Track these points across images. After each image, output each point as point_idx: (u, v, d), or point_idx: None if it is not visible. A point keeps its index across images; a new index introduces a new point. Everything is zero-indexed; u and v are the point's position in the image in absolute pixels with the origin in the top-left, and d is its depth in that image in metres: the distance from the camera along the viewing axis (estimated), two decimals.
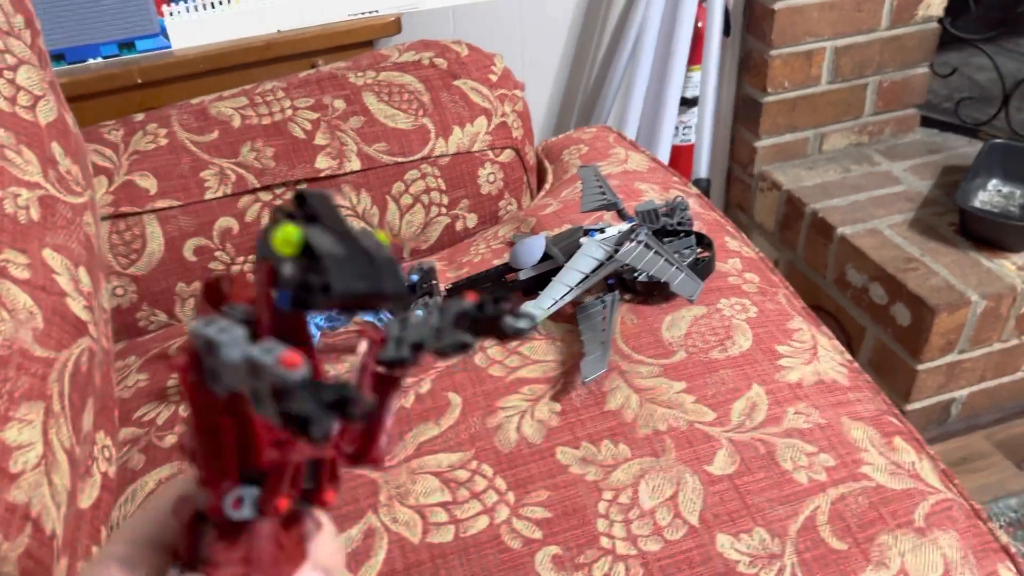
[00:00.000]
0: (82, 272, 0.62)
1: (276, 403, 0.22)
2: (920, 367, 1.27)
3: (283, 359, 0.22)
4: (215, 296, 0.27)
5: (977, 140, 1.55)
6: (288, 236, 0.23)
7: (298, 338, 0.25)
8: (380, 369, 0.28)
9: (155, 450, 0.69)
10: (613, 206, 0.79)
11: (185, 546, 0.28)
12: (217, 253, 0.85)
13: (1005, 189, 1.41)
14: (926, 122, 1.62)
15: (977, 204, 1.37)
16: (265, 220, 0.85)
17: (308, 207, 0.25)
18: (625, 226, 0.78)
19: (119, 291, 0.83)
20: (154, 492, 0.31)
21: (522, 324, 0.27)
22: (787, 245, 1.51)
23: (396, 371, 0.29)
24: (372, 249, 0.25)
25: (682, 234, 0.79)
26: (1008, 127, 1.53)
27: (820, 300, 1.45)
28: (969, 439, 1.38)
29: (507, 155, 0.95)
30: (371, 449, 0.28)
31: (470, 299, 0.27)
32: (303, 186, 0.86)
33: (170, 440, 0.70)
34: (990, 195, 1.41)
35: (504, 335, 0.27)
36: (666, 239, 0.79)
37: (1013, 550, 0.63)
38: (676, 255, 0.75)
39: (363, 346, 0.28)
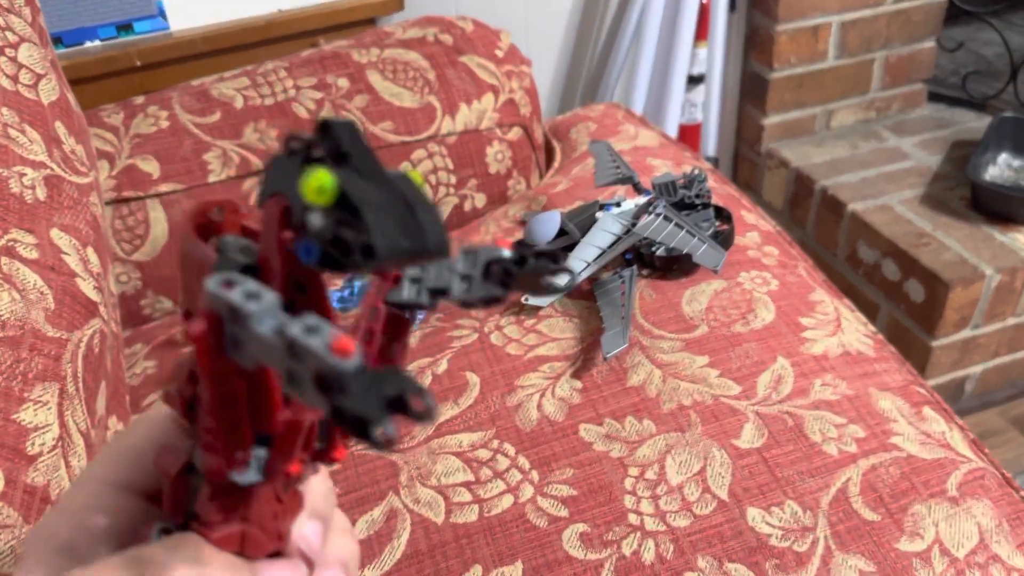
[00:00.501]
0: (91, 252, 0.60)
1: (322, 393, 0.18)
2: (935, 343, 1.25)
3: (336, 345, 0.18)
4: (205, 226, 0.24)
5: (985, 115, 1.54)
6: (323, 184, 0.20)
7: (311, 287, 0.23)
8: (391, 310, 0.25)
9: None
10: (628, 180, 0.77)
11: (171, 500, 0.25)
12: None
13: (1016, 163, 1.40)
14: (933, 97, 1.60)
15: (988, 178, 1.35)
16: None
17: (334, 141, 0.22)
18: (642, 200, 0.76)
19: (123, 278, 0.81)
20: (120, 431, 0.28)
21: (563, 282, 0.24)
22: (797, 223, 1.49)
23: (408, 313, 0.27)
24: (411, 198, 0.22)
25: (700, 207, 0.77)
26: (1017, 101, 1.51)
27: (832, 278, 1.43)
28: (983, 416, 1.36)
29: (515, 133, 0.93)
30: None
31: (505, 248, 0.25)
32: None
33: None
34: (1000, 169, 1.39)
35: (541, 292, 0.25)
36: (683, 212, 0.77)
37: None
38: (696, 228, 0.73)
39: (374, 282, 0.25)
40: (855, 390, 0.67)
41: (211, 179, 0.82)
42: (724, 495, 0.59)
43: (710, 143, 1.48)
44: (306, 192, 0.20)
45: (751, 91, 1.49)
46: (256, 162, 0.83)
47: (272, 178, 0.22)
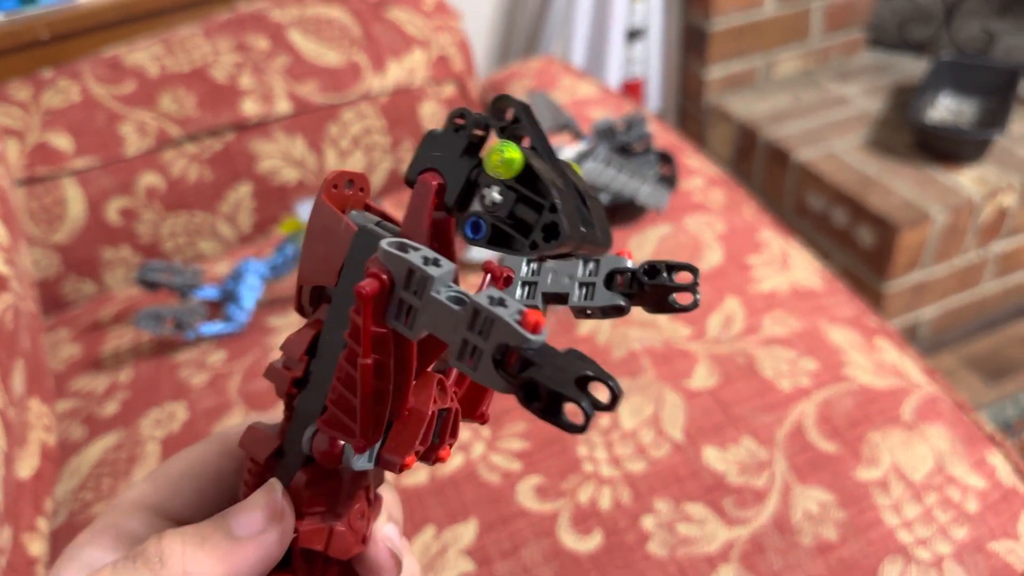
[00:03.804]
0: None
1: (498, 368, 0.18)
2: (886, 288, 1.26)
3: (528, 319, 0.17)
4: (337, 197, 0.23)
5: (924, 59, 1.54)
6: (512, 158, 0.19)
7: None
8: None
9: (96, 421, 0.64)
10: (567, 127, 0.75)
11: (255, 485, 0.24)
12: (144, 214, 0.79)
13: (955, 104, 1.41)
14: (872, 44, 1.61)
15: (929, 121, 1.36)
16: (192, 175, 0.80)
17: (516, 122, 0.21)
18: (582, 146, 0.74)
19: (43, 263, 0.77)
20: (168, 459, 0.27)
21: (692, 303, 0.23)
22: (744, 176, 1.49)
23: None
24: (581, 187, 0.21)
25: (641, 152, 0.75)
26: (952, 44, 1.52)
27: None
28: (938, 358, 1.38)
29: (449, 90, 0.90)
30: (482, 403, 0.25)
31: (628, 259, 0.24)
32: (229, 135, 0.80)
33: (111, 408, 0.64)
34: (941, 111, 1.40)
35: (665, 309, 0.23)
36: (625, 158, 0.75)
37: (999, 438, 0.62)
38: (638, 171, 0.71)
39: (486, 281, 0.24)
40: (806, 325, 0.66)
41: (129, 152, 0.77)
42: (679, 436, 0.58)
43: (653, 99, 1.47)
44: (490, 163, 0.20)
45: (691, 44, 1.47)
46: (176, 131, 0.78)
47: (426, 153, 0.21)
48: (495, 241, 0.20)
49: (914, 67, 1.53)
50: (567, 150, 0.74)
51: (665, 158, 0.76)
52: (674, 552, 0.52)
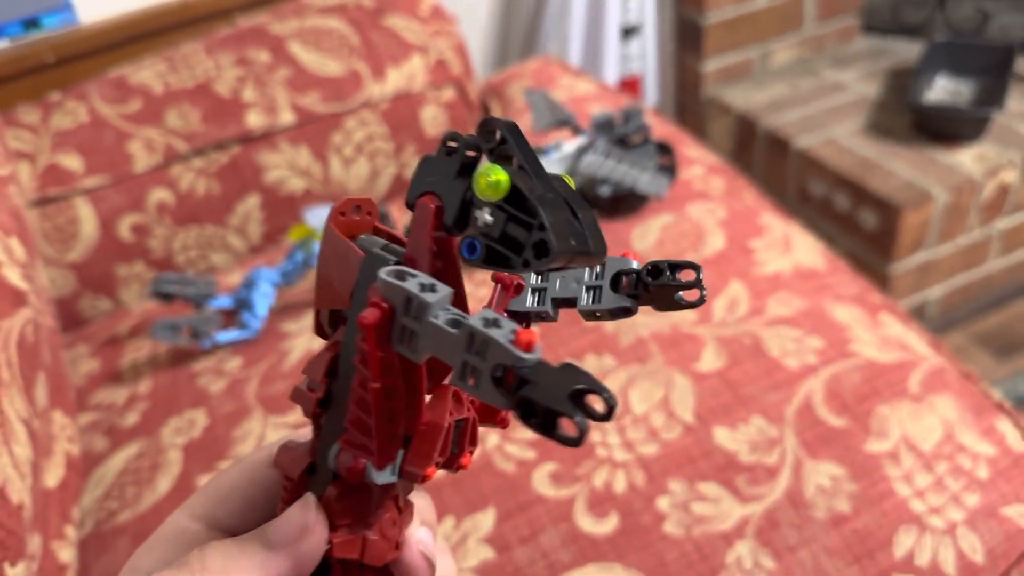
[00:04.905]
0: (14, 242, 0.58)
1: (498, 387, 0.19)
2: (891, 270, 1.26)
3: (521, 339, 0.18)
4: (345, 223, 0.24)
5: (919, 42, 1.55)
6: (498, 180, 0.20)
7: (455, 288, 0.22)
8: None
9: (118, 431, 0.65)
10: (566, 123, 0.76)
11: (290, 502, 0.25)
12: (155, 229, 0.80)
13: (952, 85, 1.41)
14: (867, 30, 1.61)
15: (927, 102, 1.36)
16: (201, 188, 0.81)
17: (503, 143, 0.22)
18: (582, 140, 0.75)
19: (58, 281, 0.78)
20: (218, 472, 0.29)
21: (698, 299, 0.24)
22: (746, 167, 1.49)
23: (526, 323, 0.27)
24: (572, 199, 0.23)
25: (640, 144, 0.76)
26: (946, 26, 1.53)
27: None
28: (948, 337, 1.38)
29: (449, 94, 0.91)
30: (499, 408, 0.25)
31: (633, 260, 0.25)
32: (235, 148, 0.81)
33: (132, 419, 0.66)
34: (937, 92, 1.41)
35: (673, 307, 0.24)
36: (624, 150, 0.76)
37: (1007, 406, 0.62)
38: (637, 162, 0.72)
39: (496, 292, 0.25)
40: (810, 304, 0.67)
41: (138, 169, 0.79)
42: (689, 418, 0.59)
43: (651, 94, 1.48)
44: (478, 187, 0.21)
45: (686, 38, 1.48)
46: (183, 146, 0.80)
47: (422, 177, 0.22)
48: (491, 260, 0.21)
49: (909, 50, 1.54)
50: (567, 145, 0.75)
51: (663, 148, 0.77)
52: (690, 531, 0.52)
